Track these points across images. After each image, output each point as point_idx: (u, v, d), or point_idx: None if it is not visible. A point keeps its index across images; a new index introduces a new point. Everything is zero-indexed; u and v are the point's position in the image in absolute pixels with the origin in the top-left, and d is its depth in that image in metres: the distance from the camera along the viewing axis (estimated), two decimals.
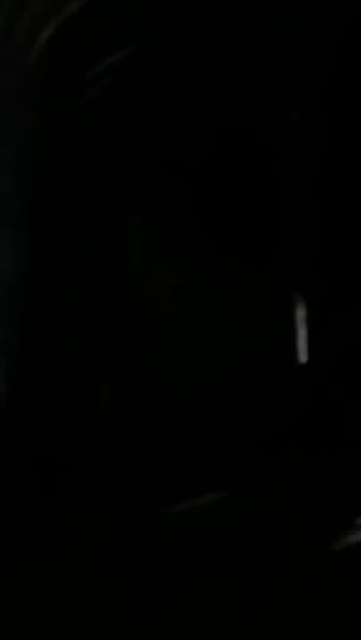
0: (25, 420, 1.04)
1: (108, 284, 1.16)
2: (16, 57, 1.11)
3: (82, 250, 1.24)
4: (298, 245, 1.18)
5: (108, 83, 1.17)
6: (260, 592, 0.95)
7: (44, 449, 1.06)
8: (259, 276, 1.18)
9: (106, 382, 1.12)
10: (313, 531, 1.01)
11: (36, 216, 1.17)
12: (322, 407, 1.14)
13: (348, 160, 1.17)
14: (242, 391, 1.14)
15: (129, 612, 0.96)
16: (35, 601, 0.95)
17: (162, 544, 1.02)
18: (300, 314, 1.20)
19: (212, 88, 1.19)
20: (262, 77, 1.15)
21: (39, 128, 1.15)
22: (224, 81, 1.21)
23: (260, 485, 1.06)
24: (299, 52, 1.16)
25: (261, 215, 1.15)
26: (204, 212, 1.18)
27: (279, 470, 1.09)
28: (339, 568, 0.98)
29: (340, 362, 1.15)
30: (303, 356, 1.18)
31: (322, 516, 1.02)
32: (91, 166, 1.17)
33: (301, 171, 1.21)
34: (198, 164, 1.17)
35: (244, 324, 1.19)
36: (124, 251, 1.17)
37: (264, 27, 1.13)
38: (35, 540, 1.01)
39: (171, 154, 1.18)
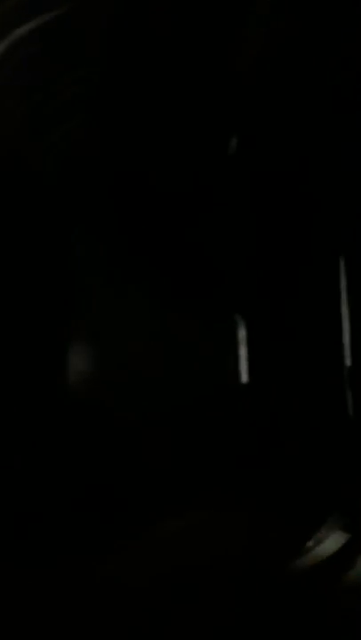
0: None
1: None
2: None
3: None
4: (239, 269, 1.21)
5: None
6: None
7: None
8: (201, 298, 1.19)
9: None
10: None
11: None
12: (264, 425, 1.19)
13: (283, 188, 1.24)
14: (184, 409, 1.14)
15: None
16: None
17: None
18: (242, 334, 1.24)
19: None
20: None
21: None
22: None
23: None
24: None
25: (204, 239, 1.17)
26: (145, 235, 1.18)
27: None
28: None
29: (282, 381, 1.20)
30: (245, 376, 1.22)
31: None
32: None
33: (240, 199, 1.26)
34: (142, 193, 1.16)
35: (187, 344, 1.20)
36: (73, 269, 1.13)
37: None
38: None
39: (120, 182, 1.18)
